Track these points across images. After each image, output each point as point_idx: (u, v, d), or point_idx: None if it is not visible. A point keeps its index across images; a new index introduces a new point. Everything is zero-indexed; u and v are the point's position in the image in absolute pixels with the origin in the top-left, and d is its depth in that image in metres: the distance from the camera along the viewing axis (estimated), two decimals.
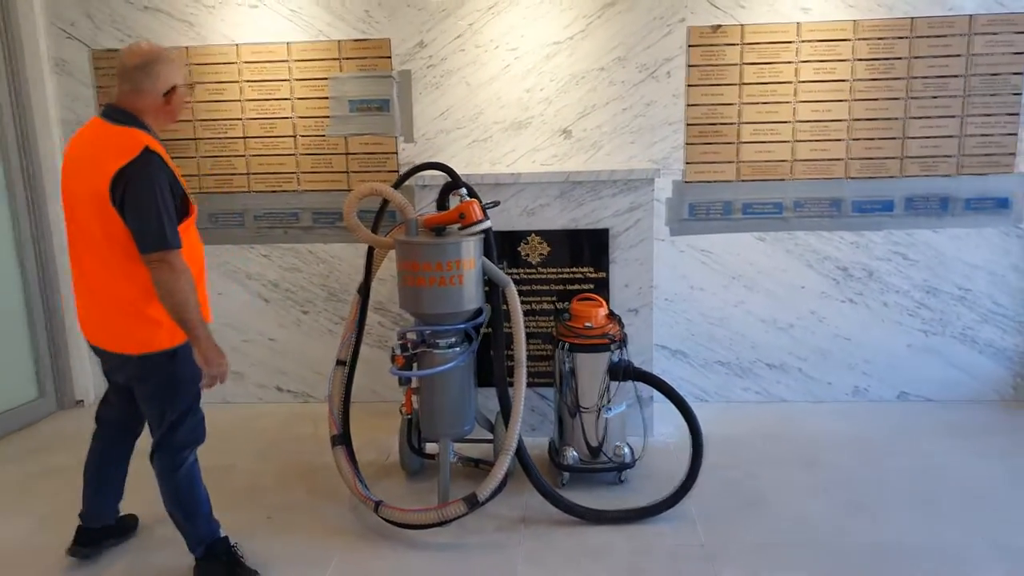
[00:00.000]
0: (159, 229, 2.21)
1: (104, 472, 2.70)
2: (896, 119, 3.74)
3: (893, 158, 3.78)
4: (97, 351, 2.50)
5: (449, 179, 3.07)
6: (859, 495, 3.03)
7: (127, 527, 2.88)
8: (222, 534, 2.61)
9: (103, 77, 3.96)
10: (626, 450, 3.20)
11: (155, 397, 2.45)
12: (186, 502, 2.53)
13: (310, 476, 3.34)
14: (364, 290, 3.24)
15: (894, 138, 3.76)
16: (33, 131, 3.94)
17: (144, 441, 2.61)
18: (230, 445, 3.64)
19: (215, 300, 4.11)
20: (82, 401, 4.27)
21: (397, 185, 3.13)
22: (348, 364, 3.24)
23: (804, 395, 4.03)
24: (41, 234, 4.04)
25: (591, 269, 3.49)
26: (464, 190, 3.03)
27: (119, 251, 2.27)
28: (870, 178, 3.80)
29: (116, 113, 2.33)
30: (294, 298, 4.12)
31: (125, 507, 2.85)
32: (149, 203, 2.20)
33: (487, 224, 2.93)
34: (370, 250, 3.22)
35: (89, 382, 4.26)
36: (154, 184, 2.21)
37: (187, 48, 3.89)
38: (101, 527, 2.75)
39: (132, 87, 2.32)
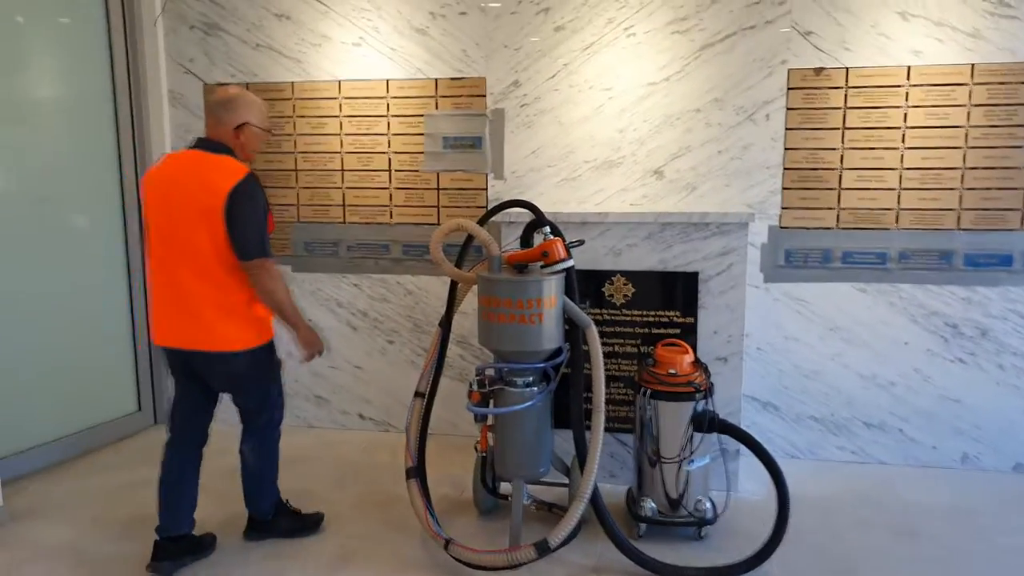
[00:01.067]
0: (259, 240, 2.61)
1: (179, 481, 2.86)
2: (1018, 168, 3.49)
3: (1013, 210, 3.53)
4: (181, 355, 2.75)
5: (533, 216, 3.06)
6: (965, 574, 2.78)
7: (205, 544, 2.95)
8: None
9: None
10: (708, 505, 3.06)
11: (259, 385, 2.86)
12: (274, 468, 3.00)
13: (386, 506, 3.35)
14: (445, 323, 3.25)
15: (1015, 188, 3.51)
16: (150, 157, 4.19)
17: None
18: (310, 469, 3.70)
19: None
20: None
21: (483, 221, 3.14)
22: (426, 396, 3.24)
23: (905, 458, 3.76)
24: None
25: (678, 314, 3.39)
26: (548, 228, 3.00)
27: (225, 260, 2.62)
28: (986, 230, 3.55)
29: (210, 144, 2.70)
30: (381, 328, 4.19)
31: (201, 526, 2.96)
32: (253, 218, 2.59)
33: (570, 263, 2.88)
34: (453, 284, 3.24)
35: None
36: (257, 202, 2.62)
37: (292, 84, 4.07)
38: (178, 539, 2.85)
39: (214, 119, 2.72)
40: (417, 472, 3.12)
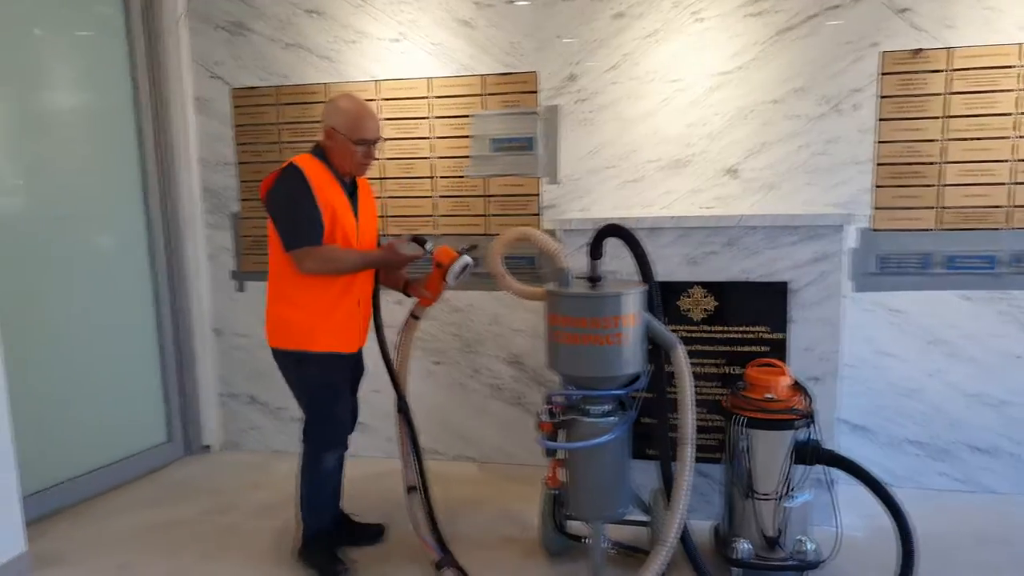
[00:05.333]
0: (295, 229, 2.55)
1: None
2: None
3: None
4: None
5: (606, 227, 2.65)
6: None
7: (368, 534, 3.06)
8: (329, 528, 2.90)
9: (241, 115, 3.88)
10: (810, 546, 2.69)
11: (294, 392, 2.80)
12: (309, 494, 2.83)
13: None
14: (404, 407, 2.98)
15: None
16: (175, 169, 3.90)
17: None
18: (355, 506, 3.33)
19: None
20: (209, 447, 4.15)
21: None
22: (421, 488, 2.92)
23: (1019, 486, 3.35)
24: (178, 278, 3.98)
25: (765, 329, 3.02)
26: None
27: (273, 253, 2.66)
28: None
29: (314, 145, 2.70)
30: (427, 348, 3.85)
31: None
32: (285, 207, 2.56)
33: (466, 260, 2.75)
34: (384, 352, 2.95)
35: (216, 428, 4.13)
36: (287, 191, 2.56)
37: (326, 85, 3.76)
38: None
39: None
40: (449, 561, 2.75)
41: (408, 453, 2.93)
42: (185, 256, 3.97)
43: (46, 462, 3.36)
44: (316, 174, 2.60)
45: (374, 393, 3.91)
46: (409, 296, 2.97)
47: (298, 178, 2.56)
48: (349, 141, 2.62)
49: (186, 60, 3.88)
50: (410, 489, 2.93)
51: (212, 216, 4.01)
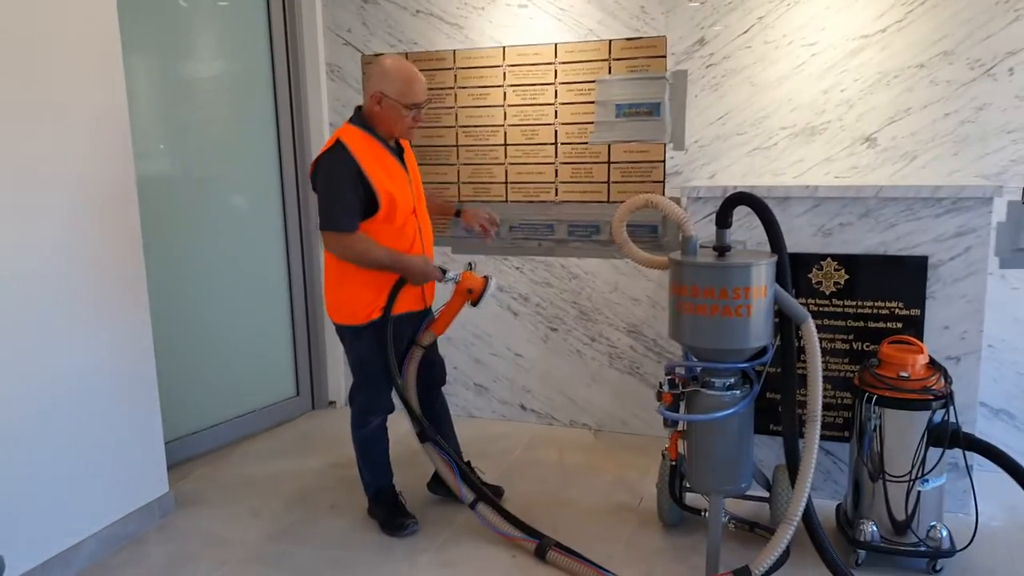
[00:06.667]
0: (327, 212, 2.57)
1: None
2: None
3: None
4: None
5: (735, 195, 2.61)
6: None
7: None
8: (392, 483, 3.01)
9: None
10: (943, 533, 2.59)
11: (348, 360, 2.93)
12: (362, 455, 2.97)
13: (554, 511, 3.06)
14: (425, 431, 2.94)
15: None
16: (307, 135, 4.07)
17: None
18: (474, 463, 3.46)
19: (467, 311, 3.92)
20: (334, 403, 4.35)
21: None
22: (486, 496, 2.89)
23: None
24: (309, 240, 4.16)
25: (900, 305, 2.90)
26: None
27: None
28: None
29: (355, 112, 2.70)
30: (543, 314, 3.90)
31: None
32: (324, 188, 2.57)
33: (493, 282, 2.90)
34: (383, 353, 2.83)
35: (342, 384, 4.33)
36: (329, 171, 2.55)
37: (454, 52, 3.81)
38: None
39: (364, 88, 2.82)
40: (547, 542, 2.72)
41: (454, 474, 2.88)
42: (316, 220, 4.14)
43: (186, 411, 3.60)
44: (363, 149, 2.59)
45: (491, 356, 4.03)
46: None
47: (342, 159, 2.54)
48: (401, 106, 2.58)
49: (320, 28, 4.02)
50: (473, 504, 2.86)
51: None
